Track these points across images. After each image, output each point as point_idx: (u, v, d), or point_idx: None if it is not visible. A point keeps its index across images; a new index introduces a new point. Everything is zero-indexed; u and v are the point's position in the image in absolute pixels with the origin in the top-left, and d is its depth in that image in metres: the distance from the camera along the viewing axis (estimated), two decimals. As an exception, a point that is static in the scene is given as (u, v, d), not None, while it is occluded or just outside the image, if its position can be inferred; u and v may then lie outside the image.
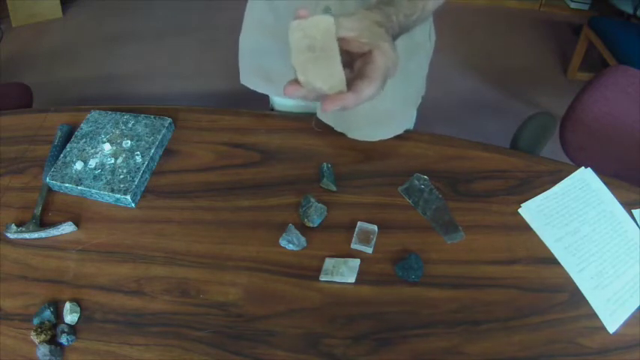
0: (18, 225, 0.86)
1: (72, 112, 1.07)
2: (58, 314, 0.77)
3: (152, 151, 0.94)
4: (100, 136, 0.97)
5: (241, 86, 1.09)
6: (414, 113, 1.09)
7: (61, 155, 0.94)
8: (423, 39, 0.97)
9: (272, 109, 1.17)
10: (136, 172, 0.91)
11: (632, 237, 0.85)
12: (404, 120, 1.02)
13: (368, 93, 0.54)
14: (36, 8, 2.87)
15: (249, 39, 1.04)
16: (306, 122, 1.03)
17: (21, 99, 1.57)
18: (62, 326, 0.74)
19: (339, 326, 0.75)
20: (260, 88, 1.08)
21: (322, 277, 0.79)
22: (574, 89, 1.36)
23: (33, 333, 0.73)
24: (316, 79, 0.51)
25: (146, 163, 0.92)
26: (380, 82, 0.55)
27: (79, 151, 0.95)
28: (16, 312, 0.78)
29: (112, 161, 0.93)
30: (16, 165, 0.98)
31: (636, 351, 0.73)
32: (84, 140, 0.97)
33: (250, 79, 1.08)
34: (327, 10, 0.79)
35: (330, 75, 0.51)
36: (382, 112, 0.96)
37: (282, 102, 1.12)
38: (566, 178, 0.93)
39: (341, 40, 0.53)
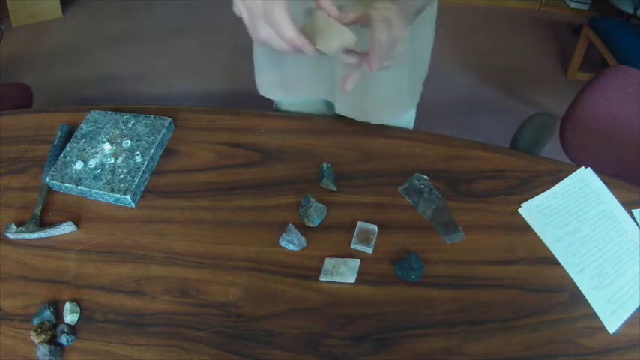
0: (18, 225, 0.86)
1: (72, 112, 1.07)
2: (58, 314, 0.77)
3: (152, 151, 0.94)
4: (100, 136, 0.97)
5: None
6: (421, 89, 1.09)
7: (61, 155, 0.95)
8: (429, 17, 0.96)
9: (277, 109, 1.17)
10: (136, 172, 0.91)
11: (632, 237, 0.85)
12: (415, 96, 1.06)
13: (380, 35, 0.62)
14: (36, 8, 2.87)
15: (263, 50, 1.04)
16: (306, 122, 1.03)
17: (21, 99, 1.57)
18: (62, 326, 0.74)
19: (339, 326, 0.75)
20: (278, 96, 1.11)
21: (322, 277, 0.79)
22: (574, 89, 1.36)
23: (33, 333, 0.73)
24: (329, 42, 0.63)
25: (146, 163, 0.92)
26: (381, 26, 0.62)
27: (79, 151, 0.95)
28: (16, 312, 0.78)
29: (112, 161, 0.93)
30: (16, 165, 0.98)
31: (636, 351, 0.73)
32: (84, 140, 0.97)
33: (269, 89, 1.10)
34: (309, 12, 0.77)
35: (338, 35, 0.63)
36: (395, 92, 1.00)
37: (293, 101, 1.13)
38: (566, 178, 0.93)
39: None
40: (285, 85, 1.05)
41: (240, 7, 0.64)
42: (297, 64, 0.98)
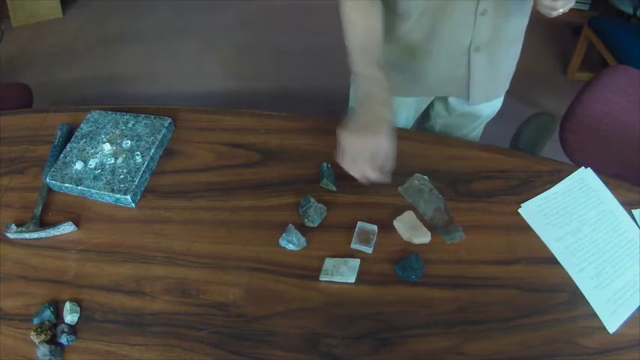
0: (18, 225, 0.86)
1: (72, 112, 1.07)
2: (58, 314, 0.77)
3: (152, 151, 0.94)
4: (100, 136, 0.97)
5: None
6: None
7: (61, 155, 0.94)
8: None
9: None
10: (136, 172, 0.91)
11: (632, 237, 0.85)
12: (508, 83, 1.13)
13: None
14: (36, 8, 2.86)
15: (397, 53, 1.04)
16: (306, 122, 1.03)
17: (21, 99, 1.57)
18: (62, 326, 0.75)
19: (339, 326, 0.75)
20: (407, 94, 1.11)
21: (322, 277, 0.79)
22: (574, 89, 1.36)
23: (33, 333, 0.73)
24: (418, 239, 0.84)
25: (146, 163, 0.92)
26: None
27: (79, 151, 0.95)
28: (16, 312, 0.78)
29: (112, 161, 0.93)
30: (16, 165, 0.98)
31: (636, 351, 0.73)
32: (84, 140, 0.97)
33: (400, 88, 1.09)
34: None
35: (423, 234, 0.84)
36: (512, 68, 1.11)
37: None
38: (566, 178, 0.93)
39: None
40: (420, 84, 1.07)
41: (343, 140, 0.81)
42: (437, 67, 1.02)
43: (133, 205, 0.90)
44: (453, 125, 1.19)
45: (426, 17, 0.93)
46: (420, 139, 1.00)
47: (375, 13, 0.88)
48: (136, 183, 0.89)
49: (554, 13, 0.82)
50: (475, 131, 1.21)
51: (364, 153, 0.80)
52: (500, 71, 1.08)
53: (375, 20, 0.87)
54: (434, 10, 0.91)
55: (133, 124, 0.99)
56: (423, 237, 0.83)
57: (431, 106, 1.20)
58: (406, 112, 1.16)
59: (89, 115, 1.02)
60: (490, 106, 1.15)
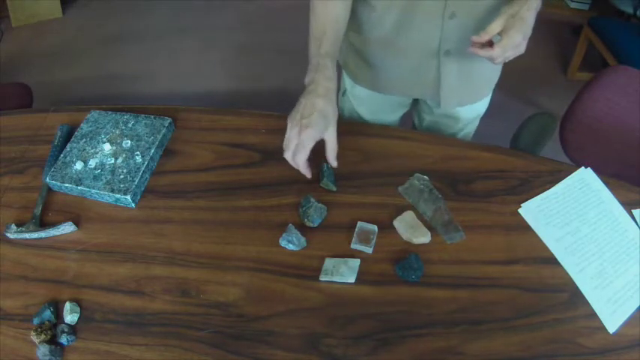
0: (18, 225, 0.86)
1: (72, 112, 1.07)
2: (58, 314, 0.77)
3: (152, 151, 0.94)
4: (100, 136, 0.97)
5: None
6: (493, 87, 1.15)
7: (61, 155, 0.95)
8: None
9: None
10: (136, 172, 0.91)
11: (632, 237, 0.85)
12: (496, 78, 1.13)
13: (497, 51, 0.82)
14: (36, 8, 2.86)
15: (378, 51, 1.06)
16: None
17: (21, 99, 1.57)
18: (62, 326, 0.74)
19: (339, 326, 0.75)
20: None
21: (322, 277, 0.79)
22: (574, 89, 1.36)
23: (33, 333, 0.73)
24: (418, 239, 0.84)
25: (146, 163, 0.92)
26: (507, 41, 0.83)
27: (79, 151, 0.95)
28: (16, 312, 0.78)
29: (112, 161, 0.93)
30: (16, 165, 0.98)
31: (636, 351, 0.73)
32: (84, 140, 0.97)
33: (370, 82, 1.12)
34: None
35: (423, 234, 0.84)
36: (495, 71, 1.10)
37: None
38: (566, 178, 0.93)
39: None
40: (390, 81, 1.08)
41: (289, 123, 0.82)
42: (407, 64, 1.02)
43: (133, 205, 0.90)
44: (439, 123, 1.18)
45: (392, 12, 0.93)
46: (420, 139, 1.00)
47: (338, 6, 0.89)
48: (135, 183, 0.89)
49: (497, 62, 0.84)
50: (462, 132, 1.20)
51: (294, 140, 0.81)
52: (477, 78, 1.07)
53: (336, 11, 0.89)
54: (400, 7, 0.91)
55: (133, 124, 0.99)
56: (423, 237, 0.83)
57: (414, 103, 1.20)
58: (388, 107, 1.17)
59: (89, 115, 1.02)
60: (471, 110, 1.14)
